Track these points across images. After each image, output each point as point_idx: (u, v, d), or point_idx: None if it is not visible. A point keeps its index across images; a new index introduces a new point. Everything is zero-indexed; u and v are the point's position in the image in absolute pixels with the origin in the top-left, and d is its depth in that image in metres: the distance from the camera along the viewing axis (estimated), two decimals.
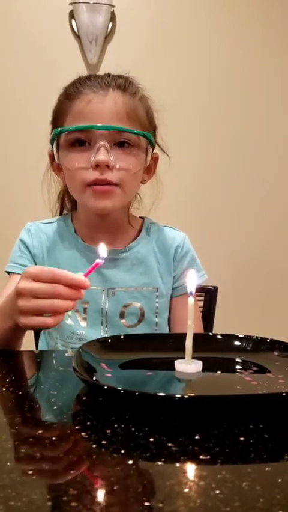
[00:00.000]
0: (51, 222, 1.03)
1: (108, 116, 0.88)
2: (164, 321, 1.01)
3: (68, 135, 0.90)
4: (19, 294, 0.68)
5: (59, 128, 0.90)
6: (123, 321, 0.96)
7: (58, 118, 0.94)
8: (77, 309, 0.95)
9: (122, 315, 0.96)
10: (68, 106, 0.92)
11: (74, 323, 0.95)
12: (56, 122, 0.95)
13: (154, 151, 0.98)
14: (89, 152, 0.88)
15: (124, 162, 0.89)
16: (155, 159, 0.99)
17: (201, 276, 1.05)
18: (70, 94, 0.92)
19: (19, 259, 0.98)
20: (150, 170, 0.99)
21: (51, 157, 0.98)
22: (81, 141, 0.89)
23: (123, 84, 0.92)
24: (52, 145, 0.94)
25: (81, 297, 0.68)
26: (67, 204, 1.07)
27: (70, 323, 0.95)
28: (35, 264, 0.98)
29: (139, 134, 0.90)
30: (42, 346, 1.01)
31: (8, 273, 0.98)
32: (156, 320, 0.99)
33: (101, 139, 0.87)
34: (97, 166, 0.87)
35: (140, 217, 1.06)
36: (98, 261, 0.68)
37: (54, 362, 0.79)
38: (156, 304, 0.99)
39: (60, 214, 1.07)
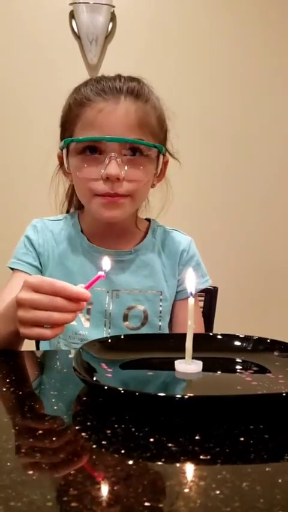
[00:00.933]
0: (58, 220, 1.02)
1: (120, 126, 0.87)
2: (166, 324, 1.01)
3: (78, 144, 0.89)
4: (19, 304, 0.68)
5: (69, 139, 0.89)
6: (126, 323, 0.96)
7: (68, 123, 0.93)
8: None
9: (125, 318, 0.96)
10: (78, 113, 0.90)
11: (77, 323, 0.95)
12: (65, 128, 0.94)
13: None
14: (99, 163, 0.87)
15: (134, 174, 0.88)
16: (165, 163, 0.98)
17: (205, 282, 1.05)
18: (81, 100, 0.90)
19: (24, 256, 0.97)
20: (160, 174, 0.98)
21: (61, 159, 0.97)
22: (91, 149, 0.88)
23: (136, 89, 0.90)
24: (62, 151, 0.93)
25: (82, 309, 0.68)
26: (75, 202, 1.06)
27: (73, 323, 0.94)
28: (40, 261, 0.97)
29: (150, 146, 0.89)
30: (44, 345, 1.01)
31: (12, 269, 0.97)
32: (160, 323, 0.99)
33: (112, 150, 0.86)
34: (107, 178, 0.86)
35: (146, 219, 1.06)
36: (100, 273, 0.67)
37: (54, 362, 0.79)
38: (160, 308, 0.98)
39: (67, 212, 1.07)
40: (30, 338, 0.75)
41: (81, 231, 1.00)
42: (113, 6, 1.94)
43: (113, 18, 1.96)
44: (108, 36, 1.97)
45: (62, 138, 0.94)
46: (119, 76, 0.92)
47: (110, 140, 0.86)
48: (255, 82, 2.08)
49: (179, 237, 1.04)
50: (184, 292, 1.01)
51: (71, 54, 1.96)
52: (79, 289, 0.66)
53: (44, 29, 1.93)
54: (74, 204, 1.07)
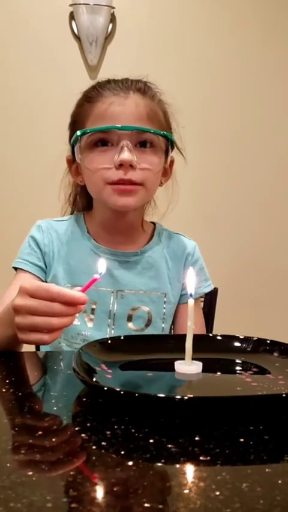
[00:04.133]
0: (63, 220, 1.02)
1: (130, 117, 0.89)
2: (169, 327, 1.01)
3: (90, 136, 0.90)
4: (16, 310, 0.68)
5: (82, 130, 0.90)
6: (130, 324, 0.96)
7: (78, 120, 0.94)
8: (85, 309, 0.95)
9: (129, 318, 0.96)
10: (88, 109, 0.92)
11: (80, 323, 0.95)
12: (76, 125, 0.95)
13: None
14: (111, 152, 0.89)
15: (147, 162, 0.90)
16: (171, 162, 0.99)
17: (208, 286, 1.06)
18: (91, 97, 0.92)
19: (28, 256, 0.97)
20: (166, 173, 0.99)
21: (70, 162, 0.99)
22: (103, 142, 0.90)
23: (143, 88, 0.93)
24: (73, 148, 0.94)
25: (79, 312, 0.68)
26: (79, 204, 1.06)
27: (76, 323, 0.94)
28: (44, 262, 0.97)
29: (161, 135, 0.91)
30: (46, 346, 1.01)
31: (16, 269, 0.97)
32: (163, 325, 0.99)
33: (124, 139, 0.88)
34: (121, 165, 0.87)
35: (151, 222, 1.07)
36: (95, 276, 0.67)
37: (54, 363, 0.79)
38: (164, 310, 0.99)
39: (71, 213, 1.07)
40: (28, 343, 0.75)
41: (87, 232, 1.00)
42: (113, 8, 1.94)
43: (112, 19, 1.96)
44: (108, 37, 1.97)
45: (71, 137, 0.95)
46: (127, 78, 0.95)
47: (123, 129, 0.88)
48: (256, 82, 2.08)
49: (184, 241, 1.05)
50: (187, 295, 1.01)
51: (71, 55, 1.96)
52: (75, 293, 0.66)
53: (44, 30, 1.93)
54: (79, 207, 1.07)
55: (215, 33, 2.04)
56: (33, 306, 0.66)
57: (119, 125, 0.88)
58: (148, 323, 0.97)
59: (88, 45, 1.93)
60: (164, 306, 0.99)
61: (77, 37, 1.95)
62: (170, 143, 0.95)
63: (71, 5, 1.92)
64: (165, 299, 0.99)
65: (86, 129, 0.90)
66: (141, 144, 0.90)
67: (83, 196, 1.04)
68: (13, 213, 1.91)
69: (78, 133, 0.90)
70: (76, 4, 1.91)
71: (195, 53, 2.04)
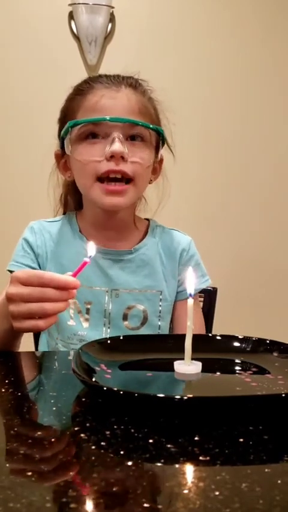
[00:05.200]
0: (56, 221, 1.02)
1: (122, 110, 0.89)
2: (166, 324, 1.01)
3: (81, 128, 0.89)
4: (9, 299, 0.68)
5: (73, 121, 0.90)
6: (126, 323, 0.96)
7: (68, 114, 0.94)
8: (79, 309, 0.95)
9: (125, 317, 0.96)
10: (79, 101, 0.92)
11: (76, 323, 0.95)
12: (66, 118, 0.94)
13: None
14: (102, 145, 0.88)
15: (137, 156, 0.89)
16: (160, 161, 0.99)
17: (205, 281, 1.05)
18: (82, 90, 0.92)
19: (22, 258, 0.97)
20: (156, 171, 0.99)
21: (58, 157, 0.98)
22: (94, 134, 0.89)
23: (134, 83, 0.93)
24: (63, 141, 0.93)
25: (73, 297, 0.68)
26: (71, 203, 1.06)
27: (72, 323, 0.94)
28: (38, 263, 0.97)
29: (153, 129, 0.91)
30: (43, 346, 1.01)
31: (10, 271, 0.98)
32: (159, 323, 0.98)
33: (115, 131, 0.87)
34: (111, 157, 0.86)
35: (146, 219, 1.06)
36: (85, 259, 0.68)
37: (53, 363, 0.79)
38: (160, 308, 0.98)
39: (64, 214, 1.07)
40: (24, 331, 0.75)
41: (80, 231, 1.00)
42: (112, 7, 1.94)
43: (112, 19, 1.96)
44: (108, 37, 1.97)
45: (60, 131, 0.95)
46: (118, 74, 0.95)
47: (114, 120, 0.87)
48: (255, 82, 2.08)
49: (178, 236, 1.04)
50: (184, 292, 1.00)
51: (70, 55, 1.96)
52: (67, 277, 0.66)
53: (43, 29, 1.93)
54: (70, 206, 1.06)
55: (215, 33, 2.04)
56: (26, 293, 0.66)
57: (112, 117, 0.87)
58: (144, 321, 0.97)
59: (87, 45, 1.93)
60: (160, 303, 0.98)
61: (76, 37, 1.95)
62: (161, 140, 0.94)
63: (70, 5, 1.92)
64: (161, 297, 0.98)
65: (78, 120, 0.89)
66: (132, 138, 0.89)
67: (73, 195, 1.04)
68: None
69: (69, 123, 0.90)
70: (75, 4, 1.91)
71: (195, 53, 2.04)
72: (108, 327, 0.95)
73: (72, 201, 1.05)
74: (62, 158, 0.97)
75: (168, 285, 1.00)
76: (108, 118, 0.87)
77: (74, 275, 0.67)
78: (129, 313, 0.96)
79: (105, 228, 0.98)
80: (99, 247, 0.96)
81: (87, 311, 0.95)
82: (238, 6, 2.04)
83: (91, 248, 0.70)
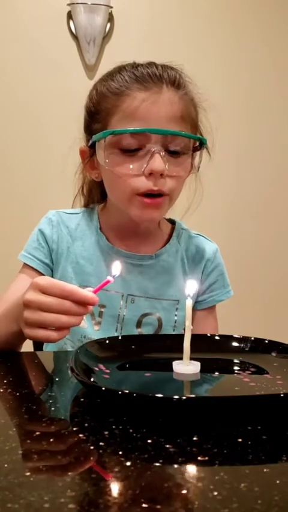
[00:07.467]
0: (76, 213, 0.97)
1: (164, 118, 0.81)
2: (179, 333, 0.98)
3: (117, 136, 0.81)
4: (26, 305, 0.66)
5: (109, 131, 0.81)
6: (139, 330, 0.92)
7: (101, 114, 0.85)
8: (92, 312, 0.91)
9: (139, 324, 0.92)
10: (114, 102, 0.83)
11: (87, 326, 0.91)
12: (96, 119, 0.86)
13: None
14: (140, 157, 0.81)
15: (177, 169, 0.83)
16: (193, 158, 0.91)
17: (227, 293, 1.00)
18: (118, 89, 0.83)
19: (35, 251, 0.93)
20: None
21: (84, 154, 0.91)
22: (131, 142, 0.81)
23: (176, 79, 0.85)
24: (94, 143, 0.86)
25: (88, 313, 0.67)
26: (94, 197, 1.00)
27: (83, 325, 0.91)
28: (51, 258, 0.93)
29: (197, 139, 0.85)
30: (51, 345, 0.96)
31: (25, 264, 0.93)
32: (173, 333, 0.94)
33: (156, 143, 0.80)
34: (150, 174, 0.80)
35: (170, 221, 1.01)
36: (109, 278, 0.66)
37: (52, 363, 0.79)
38: (175, 318, 0.94)
39: (85, 206, 1.00)
40: (34, 339, 0.73)
41: (100, 229, 0.95)
42: (111, 7, 1.94)
43: (110, 18, 1.96)
44: (106, 36, 1.97)
45: (89, 129, 0.88)
46: (154, 63, 0.87)
47: (157, 132, 0.80)
48: (255, 82, 2.08)
49: (204, 244, 0.99)
50: (205, 302, 0.98)
51: (68, 55, 1.96)
52: (88, 293, 0.64)
53: (41, 29, 1.93)
54: (93, 199, 1.00)
55: (214, 33, 2.04)
56: (45, 301, 0.65)
57: (153, 129, 0.80)
58: (158, 330, 0.93)
59: (86, 44, 1.93)
60: (176, 313, 0.94)
61: (75, 37, 1.95)
62: (199, 144, 0.87)
63: (68, 5, 1.92)
64: (177, 306, 0.94)
65: (115, 130, 0.81)
66: (172, 150, 0.82)
67: (98, 188, 0.98)
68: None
69: (106, 133, 0.82)
70: (74, 3, 1.90)
71: (194, 53, 2.04)
72: (120, 333, 0.92)
73: (96, 194, 1.00)
74: (88, 156, 0.90)
75: None
76: (150, 130, 0.80)
77: (95, 292, 0.66)
78: (143, 320, 0.92)
79: (129, 232, 0.93)
80: (119, 249, 0.93)
81: (100, 314, 0.92)
82: (238, 6, 2.04)
83: (116, 268, 0.68)
